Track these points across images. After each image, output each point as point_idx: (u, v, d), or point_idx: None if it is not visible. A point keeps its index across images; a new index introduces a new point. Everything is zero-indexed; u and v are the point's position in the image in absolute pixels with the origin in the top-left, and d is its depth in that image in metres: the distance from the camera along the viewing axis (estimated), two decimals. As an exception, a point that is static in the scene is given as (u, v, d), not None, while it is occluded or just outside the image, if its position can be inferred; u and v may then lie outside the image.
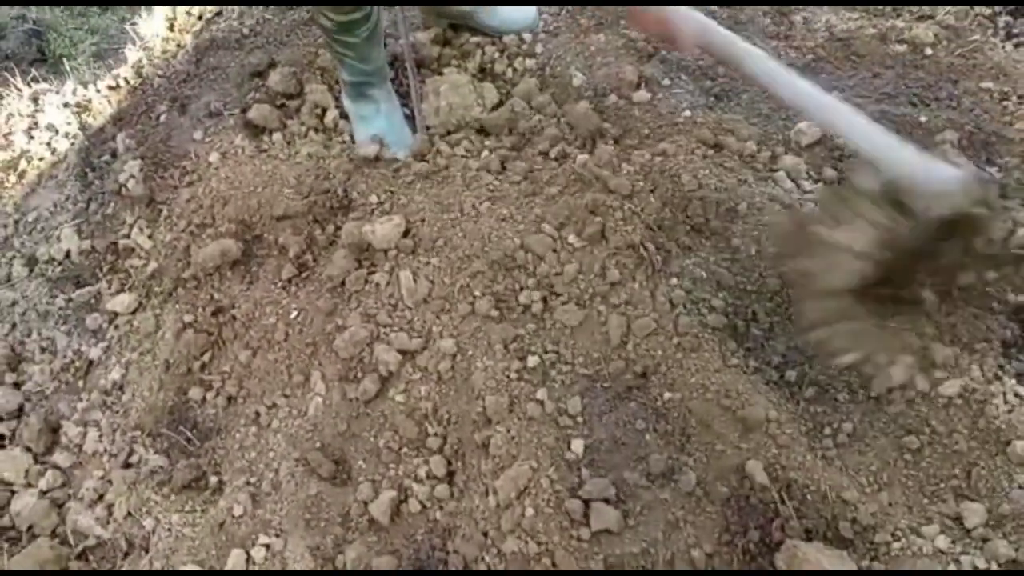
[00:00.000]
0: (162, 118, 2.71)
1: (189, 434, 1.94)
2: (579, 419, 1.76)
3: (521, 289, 1.93)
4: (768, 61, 1.73)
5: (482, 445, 1.73)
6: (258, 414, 1.92)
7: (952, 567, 1.53)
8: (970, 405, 1.73)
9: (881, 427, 1.75)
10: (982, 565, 1.53)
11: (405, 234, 2.06)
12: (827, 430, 1.76)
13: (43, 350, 2.26)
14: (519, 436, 1.71)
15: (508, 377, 1.79)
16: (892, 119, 2.32)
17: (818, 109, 1.65)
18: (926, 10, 2.72)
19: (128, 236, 2.37)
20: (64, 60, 3.69)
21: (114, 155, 2.65)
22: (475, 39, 2.79)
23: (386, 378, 1.87)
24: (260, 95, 2.68)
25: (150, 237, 2.34)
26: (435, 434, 1.78)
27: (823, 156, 2.25)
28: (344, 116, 2.58)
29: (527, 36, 2.75)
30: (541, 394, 1.77)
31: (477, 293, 1.93)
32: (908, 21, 2.72)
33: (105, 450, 2.03)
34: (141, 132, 2.68)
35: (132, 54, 3.08)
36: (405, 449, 1.78)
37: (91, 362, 2.19)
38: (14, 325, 2.32)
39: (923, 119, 2.32)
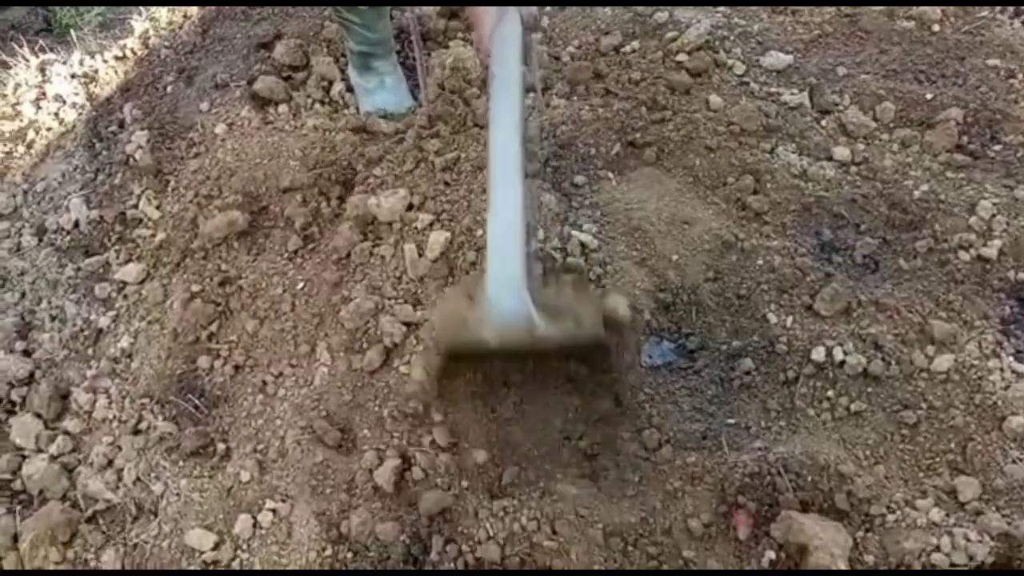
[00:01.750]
0: (168, 89, 2.72)
1: (197, 402, 1.97)
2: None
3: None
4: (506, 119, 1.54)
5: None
6: (265, 383, 1.94)
7: (945, 539, 1.55)
8: (967, 381, 1.75)
9: (879, 402, 1.77)
10: (975, 538, 1.55)
11: (409, 207, 2.07)
12: (825, 404, 1.78)
13: (52, 318, 2.29)
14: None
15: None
16: (898, 95, 2.33)
17: (494, 173, 1.50)
18: (934, -14, 2.71)
19: (136, 206, 2.39)
20: (71, 30, 3.68)
21: (121, 125, 2.67)
22: (481, 12, 2.78)
23: (391, 349, 1.89)
24: (266, 67, 2.69)
25: (158, 208, 2.36)
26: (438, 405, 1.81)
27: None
28: (350, 88, 2.59)
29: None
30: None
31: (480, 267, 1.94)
32: (916, -3, 2.71)
33: (114, 416, 2.06)
34: (148, 103, 2.70)
35: (139, 24, 3.08)
36: (409, 419, 1.80)
37: (100, 330, 2.22)
38: (24, 294, 2.35)
39: (929, 96, 2.32)
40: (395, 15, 2.72)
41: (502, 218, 1.47)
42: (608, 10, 2.69)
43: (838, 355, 1.81)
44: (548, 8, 2.76)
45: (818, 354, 1.82)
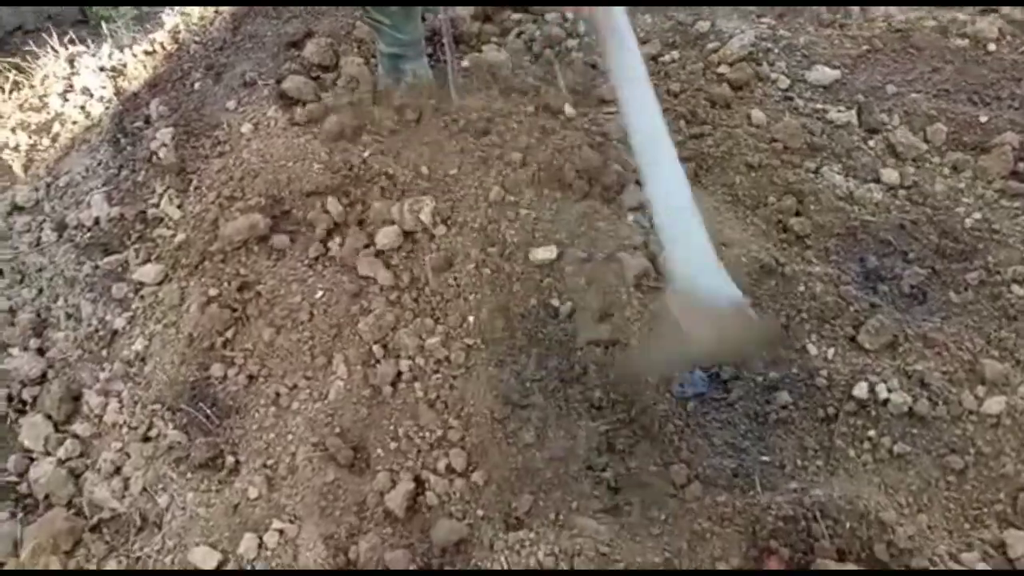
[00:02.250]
0: (196, 86, 2.67)
1: (208, 411, 1.91)
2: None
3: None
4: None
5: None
6: (278, 395, 1.88)
7: (992, 596, 1.45)
8: (1020, 426, 1.65)
9: (924, 444, 1.67)
10: (1024, 596, 1.45)
11: (436, 216, 1.99)
12: (866, 444, 1.68)
13: (68, 317, 2.24)
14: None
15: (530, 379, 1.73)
16: (950, 116, 2.22)
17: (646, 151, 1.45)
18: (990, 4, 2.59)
19: (157, 205, 2.33)
20: (104, 23, 3.66)
21: (147, 121, 2.62)
22: (516, 16, 2.71)
23: (410, 365, 1.82)
24: (295, 66, 2.62)
25: (179, 207, 2.30)
26: (456, 427, 1.73)
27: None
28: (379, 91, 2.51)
29: (570, 14, 2.66)
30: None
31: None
32: (971, 14, 2.59)
33: (125, 422, 2.00)
34: (175, 99, 2.65)
35: (169, 19, 3.04)
36: (425, 440, 1.73)
37: (115, 332, 2.16)
38: (41, 290, 2.30)
39: (983, 118, 2.21)
40: (427, 17, 2.64)
41: (676, 204, 1.40)
42: (648, 17, 2.60)
43: (882, 392, 1.71)
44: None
45: (860, 390, 1.72)
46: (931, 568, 1.47)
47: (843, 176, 2.07)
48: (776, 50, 2.42)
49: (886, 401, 1.71)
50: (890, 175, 2.08)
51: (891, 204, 2.03)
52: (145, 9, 4.00)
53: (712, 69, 2.36)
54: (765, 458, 1.68)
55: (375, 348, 1.86)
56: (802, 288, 1.86)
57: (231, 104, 2.54)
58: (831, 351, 1.79)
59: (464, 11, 2.68)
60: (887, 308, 1.84)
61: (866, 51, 2.44)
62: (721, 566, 1.50)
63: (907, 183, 2.08)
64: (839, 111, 2.22)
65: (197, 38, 2.88)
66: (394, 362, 1.83)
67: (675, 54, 2.44)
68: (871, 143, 2.16)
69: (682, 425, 1.70)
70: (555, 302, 1.89)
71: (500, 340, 1.84)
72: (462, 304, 1.89)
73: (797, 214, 2.01)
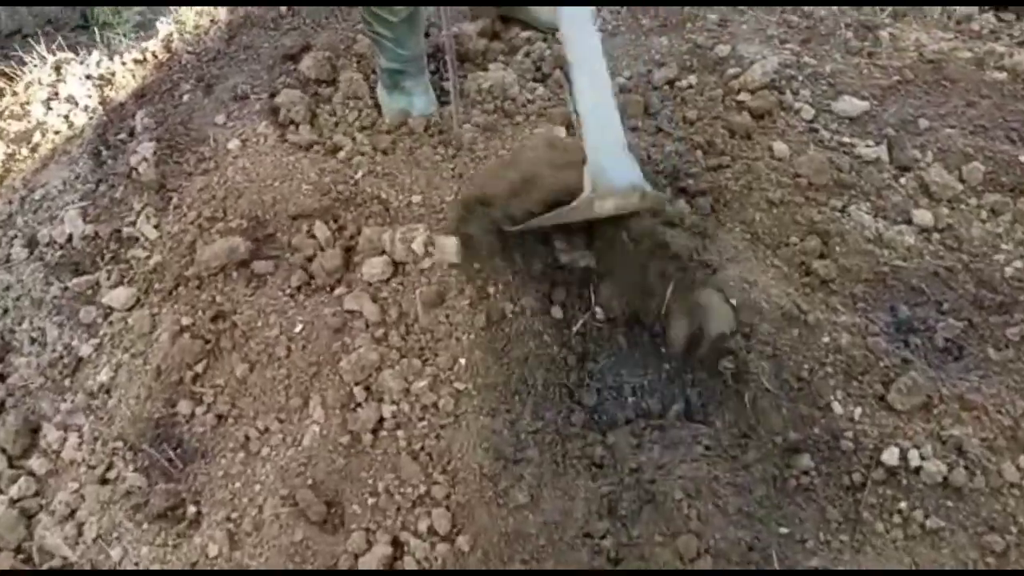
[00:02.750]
0: (185, 98, 2.53)
1: (172, 454, 1.75)
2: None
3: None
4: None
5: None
6: (248, 438, 1.72)
7: None
8: (1070, 504, 1.47)
9: (960, 520, 1.49)
10: None
11: (429, 247, 1.84)
12: (896, 517, 1.50)
13: (33, 341, 2.08)
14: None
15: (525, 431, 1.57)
16: (988, 155, 2.05)
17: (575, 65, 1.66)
18: (1031, 34, 2.44)
19: (134, 224, 2.18)
20: (105, 28, 3.53)
21: (132, 134, 2.48)
22: (525, 34, 2.57)
23: (393, 411, 1.66)
24: (291, 80, 2.49)
25: (156, 227, 2.15)
26: (441, 483, 1.56)
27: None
28: (378, 107, 2.37)
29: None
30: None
31: (503, 322, 1.71)
32: (1008, 46, 2.44)
33: (83, 460, 1.84)
34: (161, 111, 2.51)
35: (163, 27, 2.90)
36: (406, 497, 1.56)
37: (80, 359, 2.01)
38: (6, 311, 2.15)
39: (1023, 158, 2.04)
40: (431, 33, 2.50)
41: (593, 91, 1.62)
42: (664, 39, 2.45)
43: (914, 459, 1.55)
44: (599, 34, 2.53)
45: (890, 456, 1.55)
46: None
47: (872, 216, 1.90)
48: (800, 78, 2.26)
49: (918, 469, 1.55)
50: (923, 216, 1.91)
51: (924, 249, 1.87)
52: (149, 15, 3.87)
53: (732, 96, 2.20)
54: (783, 530, 1.51)
55: (356, 390, 1.70)
56: (827, 339, 1.70)
57: (220, 118, 2.40)
58: (858, 411, 1.62)
59: (470, 27, 2.54)
60: (920, 364, 1.67)
61: (896, 82, 2.28)
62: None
63: (941, 226, 1.91)
64: (868, 145, 2.06)
65: (190, 48, 2.74)
66: (376, 407, 1.67)
67: (693, 79, 2.28)
68: (902, 181, 2.00)
69: (691, 490, 1.53)
70: (554, 343, 1.73)
71: (493, 386, 1.68)
72: (453, 344, 1.73)
73: (822, 256, 1.85)
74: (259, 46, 2.68)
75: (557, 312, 1.80)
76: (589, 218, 1.68)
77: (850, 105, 2.17)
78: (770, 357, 1.69)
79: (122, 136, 2.49)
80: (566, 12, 1.64)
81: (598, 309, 1.81)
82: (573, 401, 1.70)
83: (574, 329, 1.79)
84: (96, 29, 3.16)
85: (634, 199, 1.64)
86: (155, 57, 2.79)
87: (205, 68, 2.64)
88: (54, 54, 2.88)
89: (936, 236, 1.90)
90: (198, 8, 2.90)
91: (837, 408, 1.63)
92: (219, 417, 1.77)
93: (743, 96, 2.20)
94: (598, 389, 1.71)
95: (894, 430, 1.59)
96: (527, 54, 2.51)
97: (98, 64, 2.81)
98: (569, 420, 1.66)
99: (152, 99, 2.58)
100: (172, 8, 2.96)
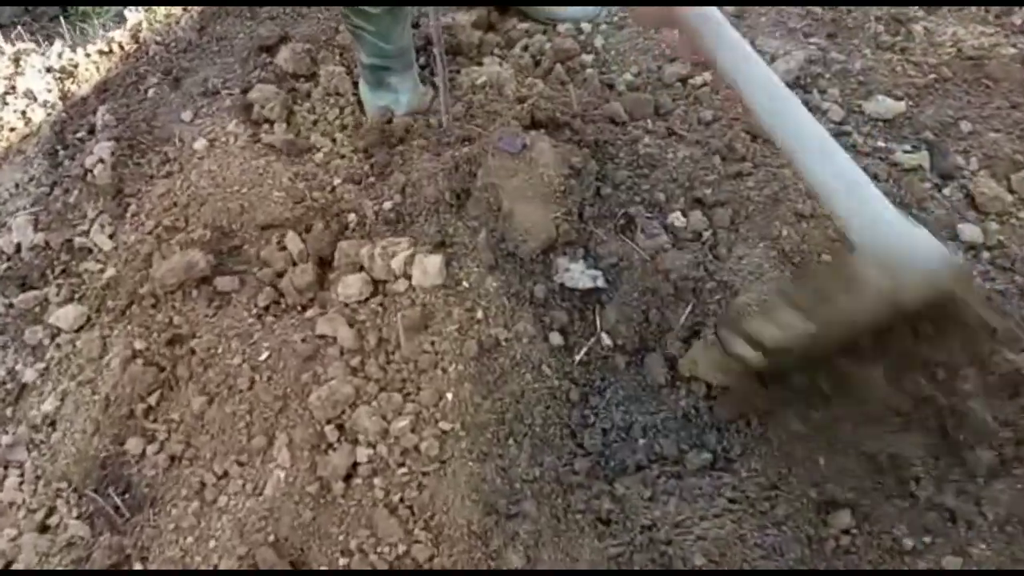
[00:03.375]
0: (150, 92, 2.30)
1: (119, 500, 1.53)
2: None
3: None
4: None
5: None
6: (203, 485, 1.50)
7: None
8: None
9: (1028, 590, 1.28)
10: None
11: (413, 263, 1.62)
12: (953, 588, 1.29)
13: (-27, 364, 1.87)
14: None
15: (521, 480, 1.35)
16: (1036, 163, 1.84)
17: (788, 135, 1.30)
18: (1080, 30, 2.22)
19: (87, 233, 1.96)
20: (84, 20, 3.31)
21: (92, 131, 2.26)
22: (524, 26, 2.35)
23: (369, 455, 1.44)
24: (266, 74, 2.27)
25: (111, 237, 1.93)
26: (423, 541, 1.35)
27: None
28: (362, 105, 2.15)
29: (586, 26, 2.30)
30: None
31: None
32: (1054, 42, 2.22)
33: (24, 502, 1.63)
34: (124, 107, 2.28)
35: (132, 16, 2.68)
36: (383, 557, 1.35)
37: (24, 386, 1.79)
38: (-55, 330, 1.93)
39: (1075, 167, 1.83)
40: (420, 23, 2.28)
41: (810, 138, 1.28)
42: (676, 32, 2.22)
43: (970, 519, 1.33)
44: (603, 26, 2.31)
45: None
46: None
47: (914, 232, 1.68)
48: (828, 75, 2.05)
49: (975, 529, 1.33)
50: (971, 232, 1.70)
51: (972, 269, 1.65)
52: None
53: (752, 95, 1.98)
54: (821, 602, 1.30)
55: (327, 429, 1.48)
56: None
57: (187, 115, 2.18)
58: (906, 459, 1.40)
59: (463, 18, 2.32)
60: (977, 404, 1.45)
61: (933, 80, 2.06)
62: None
63: (991, 243, 1.70)
64: (906, 151, 1.84)
65: (159, 38, 2.52)
66: (350, 449, 1.46)
67: (708, 75, 2.07)
68: (946, 192, 1.79)
69: (715, 553, 1.31)
70: (554, 375, 1.52)
71: (484, 426, 1.46)
72: (439, 376, 1.51)
73: (858, 276, 1.63)
74: (233, 36, 2.46)
75: (557, 339, 1.58)
76: (884, 318, 1.24)
77: (884, 106, 1.96)
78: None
79: (81, 134, 2.27)
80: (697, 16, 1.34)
81: (604, 335, 1.60)
82: (576, 444, 1.48)
83: (576, 358, 1.58)
84: (75, 22, 2.93)
85: (949, 276, 1.21)
86: (121, 48, 2.56)
87: (174, 60, 2.42)
88: (13, 44, 2.66)
89: (986, 255, 1.69)
90: (170, -4, 2.67)
91: (886, 453, 1.41)
92: (172, 458, 1.56)
93: (765, 95, 1.98)
94: (604, 429, 1.50)
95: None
96: (525, 48, 2.29)
97: (60, 56, 2.59)
98: (571, 467, 1.44)
99: (115, 93, 2.35)
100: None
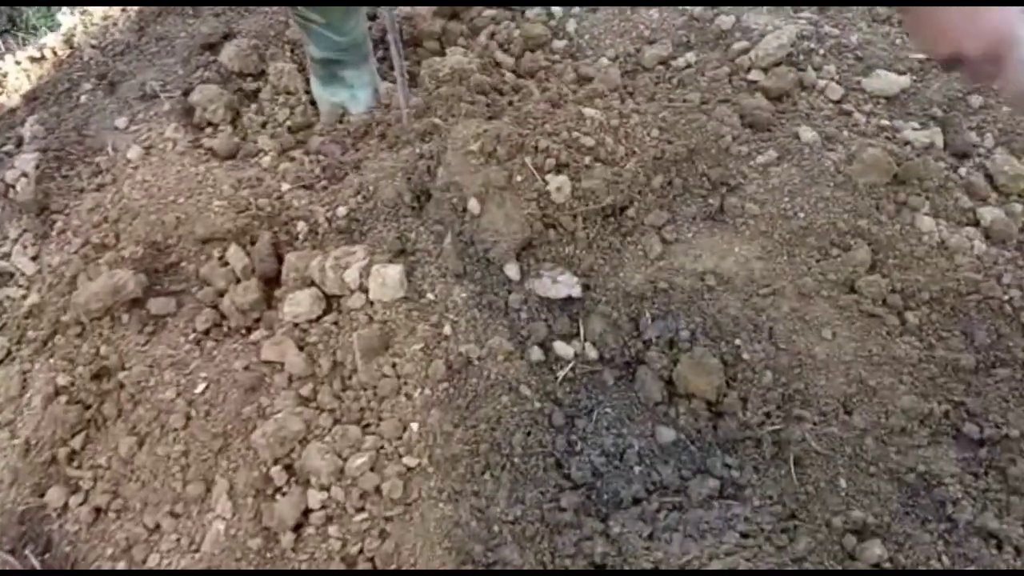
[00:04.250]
0: (83, 99, 2.11)
1: (37, 561, 1.33)
2: None
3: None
4: None
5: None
6: (131, 543, 1.30)
7: None
8: None
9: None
10: None
11: (370, 274, 1.42)
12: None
13: None
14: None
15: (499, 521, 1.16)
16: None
17: None
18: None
19: (8, 256, 1.76)
20: (31, 33, 3.09)
21: (20, 144, 2.05)
22: (490, 12, 2.16)
23: (323, 499, 1.24)
24: (209, 73, 2.07)
25: (34, 259, 1.73)
26: (387, 600, 1.15)
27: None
28: (314, 104, 1.96)
29: (557, 10, 2.11)
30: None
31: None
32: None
33: (-67, 565, 1.41)
34: (55, 116, 2.09)
35: (67, 19, 2.47)
36: (340, 621, 1.15)
37: (-62, 430, 1.58)
38: None
39: (1101, 138, 1.66)
40: (377, 14, 2.09)
41: None
42: (654, 12, 2.04)
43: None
44: (576, 10, 2.13)
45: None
46: None
47: (932, 218, 1.50)
48: (822, 51, 1.87)
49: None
50: (993, 216, 1.52)
51: (998, 256, 1.47)
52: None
53: (741, 75, 1.81)
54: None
55: (274, 471, 1.29)
56: (891, 379, 1.29)
57: (121, 122, 1.98)
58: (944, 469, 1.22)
59: (423, 8, 2.13)
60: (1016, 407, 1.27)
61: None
62: None
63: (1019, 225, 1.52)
64: (915, 129, 1.66)
65: (94, 41, 2.32)
66: (300, 494, 1.26)
67: (691, 56, 1.89)
68: (962, 172, 1.61)
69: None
70: (534, 395, 1.33)
71: (456, 459, 1.27)
72: (402, 404, 1.32)
73: (872, 269, 1.45)
74: (174, 36, 2.26)
75: (536, 354, 1.39)
76: None
77: (887, 82, 1.78)
78: (818, 406, 1.29)
79: (8, 147, 2.06)
80: None
81: (589, 347, 1.41)
82: (562, 475, 1.29)
83: (559, 375, 1.38)
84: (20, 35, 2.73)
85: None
86: (55, 54, 2.36)
87: (110, 64, 2.22)
88: (-52, 52, 2.45)
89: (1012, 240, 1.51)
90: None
91: (915, 471, 1.23)
92: (97, 511, 1.36)
93: (755, 75, 1.81)
94: (594, 457, 1.30)
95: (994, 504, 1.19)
96: (492, 35, 2.10)
97: (-13, 65, 2.38)
98: (558, 503, 1.25)
99: (46, 102, 2.16)
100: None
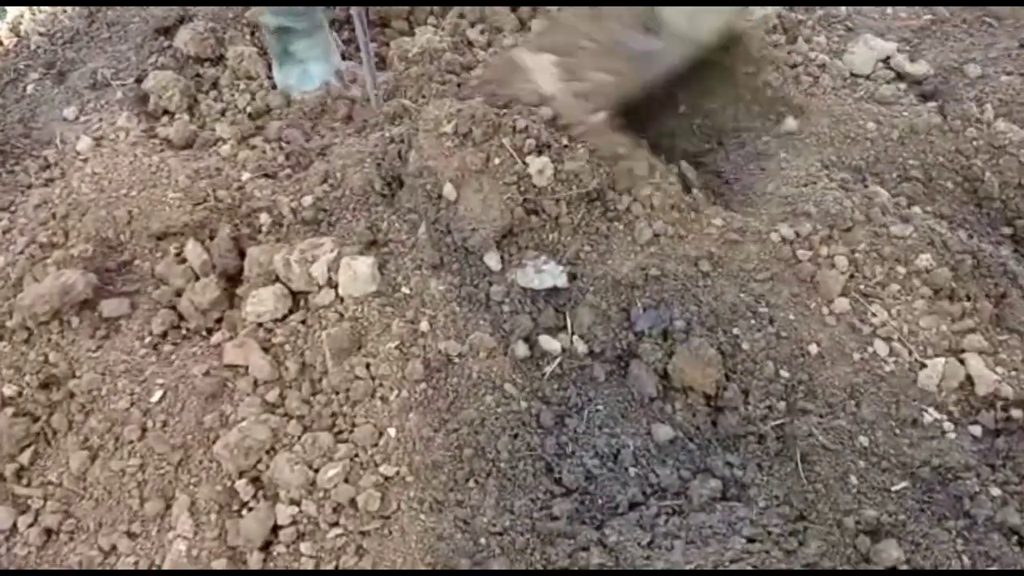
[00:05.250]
0: (29, 89, 1.99)
1: (-19, 590, 1.21)
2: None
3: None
4: None
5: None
6: (84, 567, 1.18)
7: None
8: None
9: None
10: None
11: (339, 268, 1.32)
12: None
13: None
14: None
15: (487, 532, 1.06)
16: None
17: None
18: None
19: (-51, 258, 1.63)
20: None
21: (-35, 139, 1.92)
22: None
23: (293, 514, 1.14)
24: (165, 59, 1.96)
25: (-23, 261, 1.60)
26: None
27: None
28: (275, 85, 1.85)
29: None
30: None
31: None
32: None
33: None
34: (1, 108, 1.95)
35: (13, 8, 2.33)
36: (314, 649, 1.05)
37: None
38: None
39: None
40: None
41: None
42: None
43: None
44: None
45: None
46: None
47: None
48: (810, 22, 1.79)
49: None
50: (999, 190, 1.45)
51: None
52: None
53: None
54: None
55: (239, 485, 1.19)
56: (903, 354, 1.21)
57: (70, 112, 1.87)
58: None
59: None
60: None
61: (928, 22, 1.83)
62: None
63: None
64: (913, 102, 1.58)
65: (42, 29, 2.19)
66: (268, 509, 1.16)
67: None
68: (964, 145, 1.53)
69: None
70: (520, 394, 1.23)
71: (438, 466, 1.17)
72: (378, 408, 1.22)
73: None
74: (127, 22, 2.14)
75: (521, 350, 1.30)
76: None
77: (878, 50, 1.70)
78: (824, 397, 1.20)
79: (-47, 143, 1.93)
80: None
81: (577, 340, 1.31)
82: (553, 480, 1.20)
83: (546, 371, 1.29)
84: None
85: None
86: (0, 43, 2.22)
87: (59, 52, 2.10)
88: None
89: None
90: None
91: (929, 464, 1.15)
92: (48, 532, 1.25)
93: (742, 47, 1.71)
94: (586, 459, 1.21)
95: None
96: (461, 15, 1.99)
97: (-73, 56, 2.23)
98: (549, 511, 1.16)
99: (-9, 95, 2.02)
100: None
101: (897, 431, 1.20)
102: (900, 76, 1.68)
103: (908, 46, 1.76)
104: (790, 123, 1.56)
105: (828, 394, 1.22)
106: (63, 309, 1.42)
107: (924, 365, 1.24)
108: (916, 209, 1.42)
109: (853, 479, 1.16)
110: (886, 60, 1.70)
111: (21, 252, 1.55)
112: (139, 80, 1.91)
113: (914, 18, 1.82)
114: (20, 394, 1.38)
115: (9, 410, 1.36)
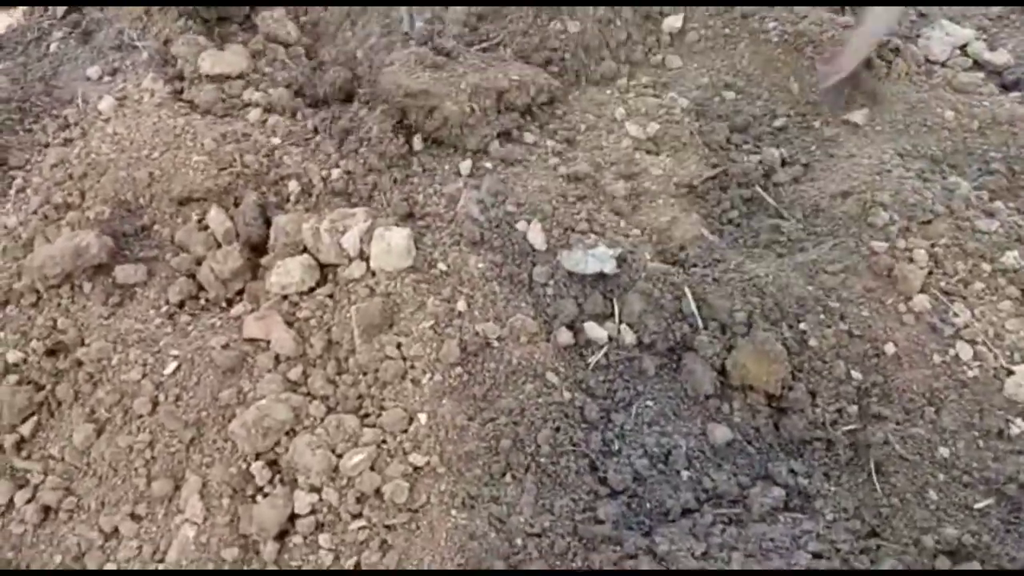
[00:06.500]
0: (52, 47, 1.90)
1: (-26, 569, 1.12)
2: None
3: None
4: None
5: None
6: (83, 550, 1.09)
7: None
8: None
9: None
10: None
11: (372, 239, 1.22)
12: None
13: None
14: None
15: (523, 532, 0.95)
16: None
17: None
18: None
19: (-39, 217, 1.55)
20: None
21: (-15, 96, 1.84)
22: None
23: (313, 503, 1.04)
24: (194, 22, 1.87)
25: (-10, 219, 1.52)
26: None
27: None
28: (310, 56, 1.77)
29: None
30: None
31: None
32: None
33: None
34: (22, 66, 1.88)
35: (42, -34, 2.26)
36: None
37: None
38: None
39: None
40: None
41: None
42: None
43: None
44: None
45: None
46: None
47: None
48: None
49: None
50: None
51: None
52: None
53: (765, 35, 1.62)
54: None
55: (255, 467, 1.10)
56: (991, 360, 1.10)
57: (94, 72, 1.79)
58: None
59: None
60: None
61: (1007, 11, 1.70)
62: None
63: None
64: (994, 92, 1.47)
65: (69, -13, 2.10)
66: (286, 495, 1.06)
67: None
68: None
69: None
70: (563, 384, 1.13)
71: (472, 457, 1.07)
72: (409, 391, 1.12)
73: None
74: (161, -21, 2.05)
75: (564, 336, 1.19)
76: None
77: (956, 37, 1.58)
78: (901, 402, 1.09)
79: (-28, 100, 1.85)
80: None
81: (625, 329, 1.21)
82: (598, 479, 1.09)
83: (591, 361, 1.18)
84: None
85: None
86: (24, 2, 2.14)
87: (85, 11, 2.01)
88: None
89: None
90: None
91: (1017, 480, 1.03)
92: (46, 510, 1.16)
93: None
94: (635, 458, 1.10)
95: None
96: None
97: (-50, 12, 2.16)
98: (593, 513, 1.05)
99: (12, 52, 1.95)
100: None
101: (981, 443, 1.09)
102: (978, 64, 1.56)
103: (986, 34, 1.64)
104: (862, 109, 1.45)
105: (905, 399, 1.11)
106: (75, 273, 1.33)
107: (1011, 372, 1.13)
108: (999, 203, 1.30)
109: (932, 494, 1.05)
110: (963, 47, 1.58)
111: (34, 212, 1.47)
112: (166, 42, 1.82)
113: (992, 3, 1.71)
114: (24, 361, 1.30)
115: (12, 377, 1.28)
